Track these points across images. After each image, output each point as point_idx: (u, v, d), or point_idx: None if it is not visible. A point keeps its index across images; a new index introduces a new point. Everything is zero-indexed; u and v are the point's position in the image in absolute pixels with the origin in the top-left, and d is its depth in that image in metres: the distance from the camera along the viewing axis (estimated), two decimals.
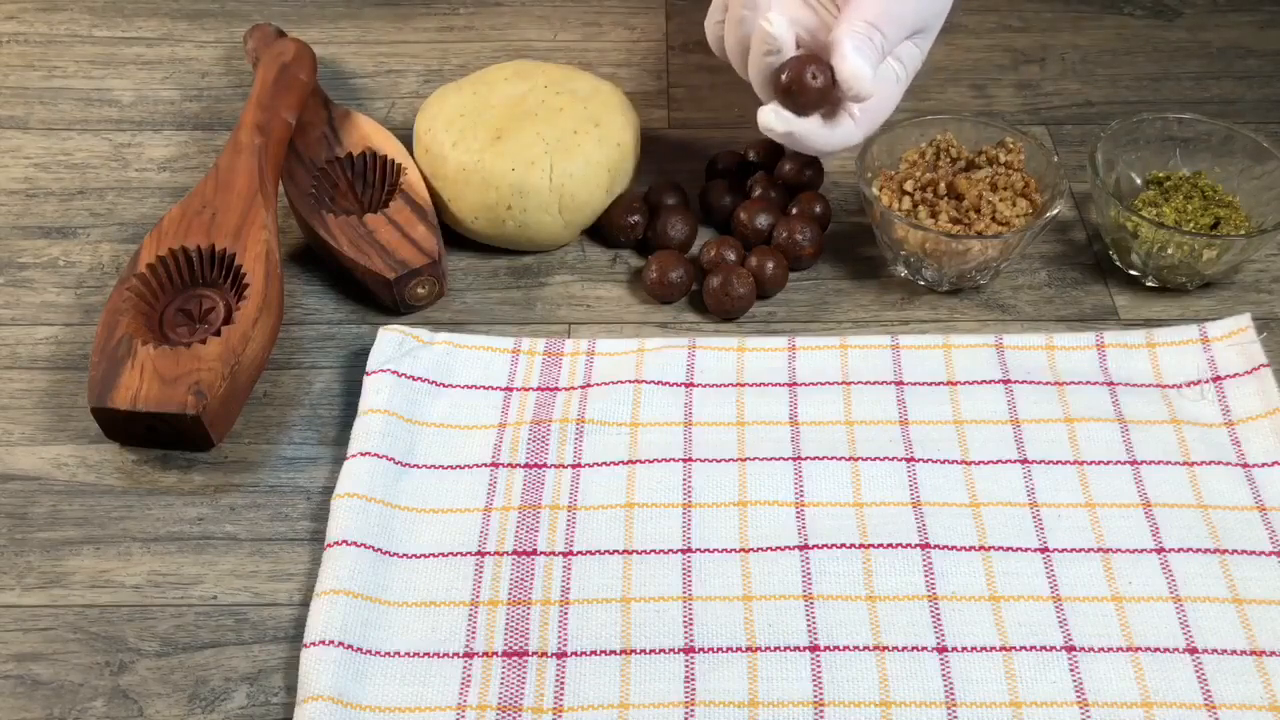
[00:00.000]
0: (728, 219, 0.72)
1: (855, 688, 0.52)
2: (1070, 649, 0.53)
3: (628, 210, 0.71)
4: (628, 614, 0.54)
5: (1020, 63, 0.84)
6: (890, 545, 0.56)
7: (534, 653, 0.53)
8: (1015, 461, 0.59)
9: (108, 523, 0.59)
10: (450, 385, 0.63)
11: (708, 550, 0.56)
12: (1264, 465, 0.59)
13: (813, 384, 0.63)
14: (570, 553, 0.56)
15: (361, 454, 0.59)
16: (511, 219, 0.69)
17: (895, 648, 0.53)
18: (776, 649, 0.53)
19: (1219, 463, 0.59)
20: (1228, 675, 0.52)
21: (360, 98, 0.82)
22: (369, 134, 0.72)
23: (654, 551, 0.56)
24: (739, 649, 0.53)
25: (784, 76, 0.64)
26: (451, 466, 0.60)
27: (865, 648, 0.53)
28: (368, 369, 0.63)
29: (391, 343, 0.64)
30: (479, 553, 0.57)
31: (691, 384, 0.63)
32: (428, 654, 0.53)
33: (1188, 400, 0.62)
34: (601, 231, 0.71)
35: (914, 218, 0.66)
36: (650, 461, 0.60)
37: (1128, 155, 0.70)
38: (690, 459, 0.60)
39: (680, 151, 0.78)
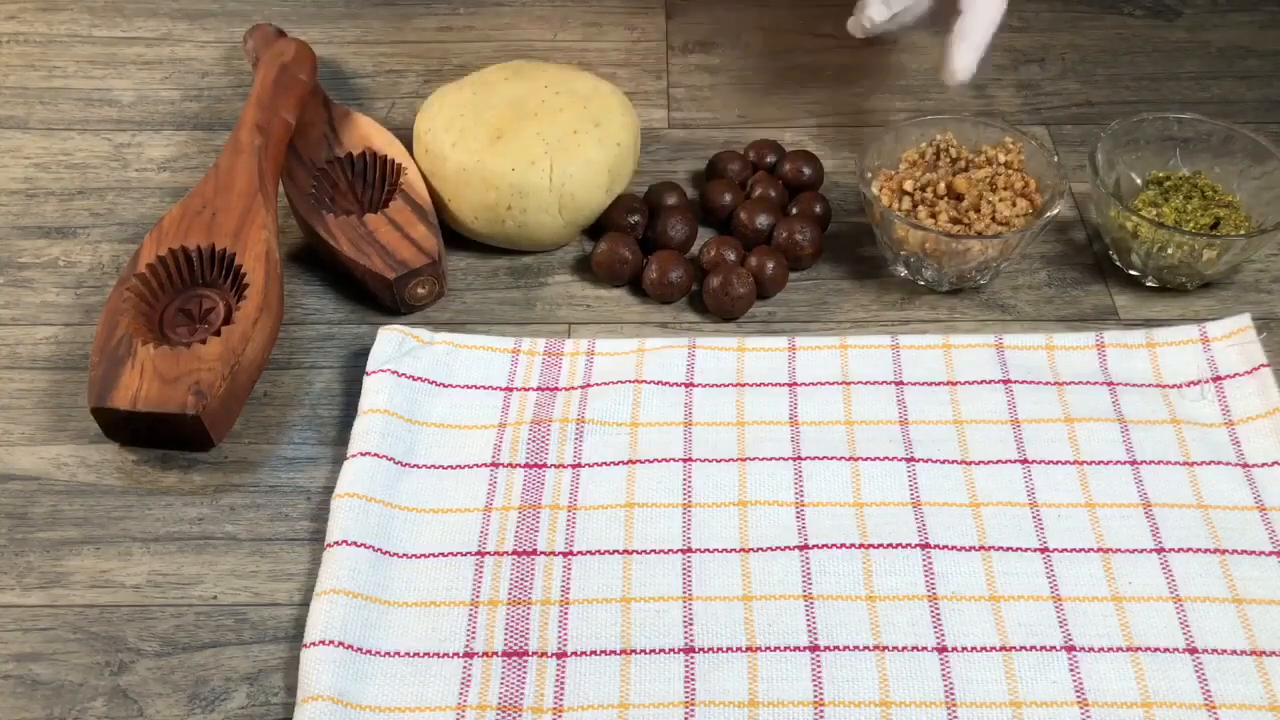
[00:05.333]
0: (728, 219, 0.72)
1: (855, 688, 0.52)
2: (1070, 649, 0.53)
3: (628, 210, 0.71)
4: (628, 614, 0.54)
5: (1020, 63, 0.84)
6: (890, 545, 0.56)
7: (534, 653, 0.53)
8: (1015, 461, 0.59)
9: (108, 523, 0.59)
10: (450, 385, 0.63)
11: (708, 550, 0.56)
12: (1264, 465, 0.59)
13: (813, 384, 0.63)
14: (570, 553, 0.56)
15: (361, 454, 0.59)
16: (511, 219, 0.69)
17: (895, 648, 0.53)
18: (776, 649, 0.53)
19: (1219, 463, 0.59)
20: (1228, 675, 0.52)
21: (360, 98, 0.82)
22: (369, 134, 0.72)
23: (654, 551, 0.56)
24: (739, 649, 0.53)
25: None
26: (451, 466, 0.60)
27: (865, 648, 0.53)
28: (368, 369, 0.63)
29: (391, 343, 0.64)
30: (479, 553, 0.57)
31: (691, 384, 0.63)
32: (428, 654, 0.53)
33: (1188, 400, 0.62)
34: (601, 231, 0.71)
35: (914, 218, 0.66)
36: (650, 461, 0.60)
37: (1128, 155, 0.70)
38: (690, 459, 0.60)
39: (680, 151, 0.78)
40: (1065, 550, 0.56)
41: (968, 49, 0.69)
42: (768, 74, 0.83)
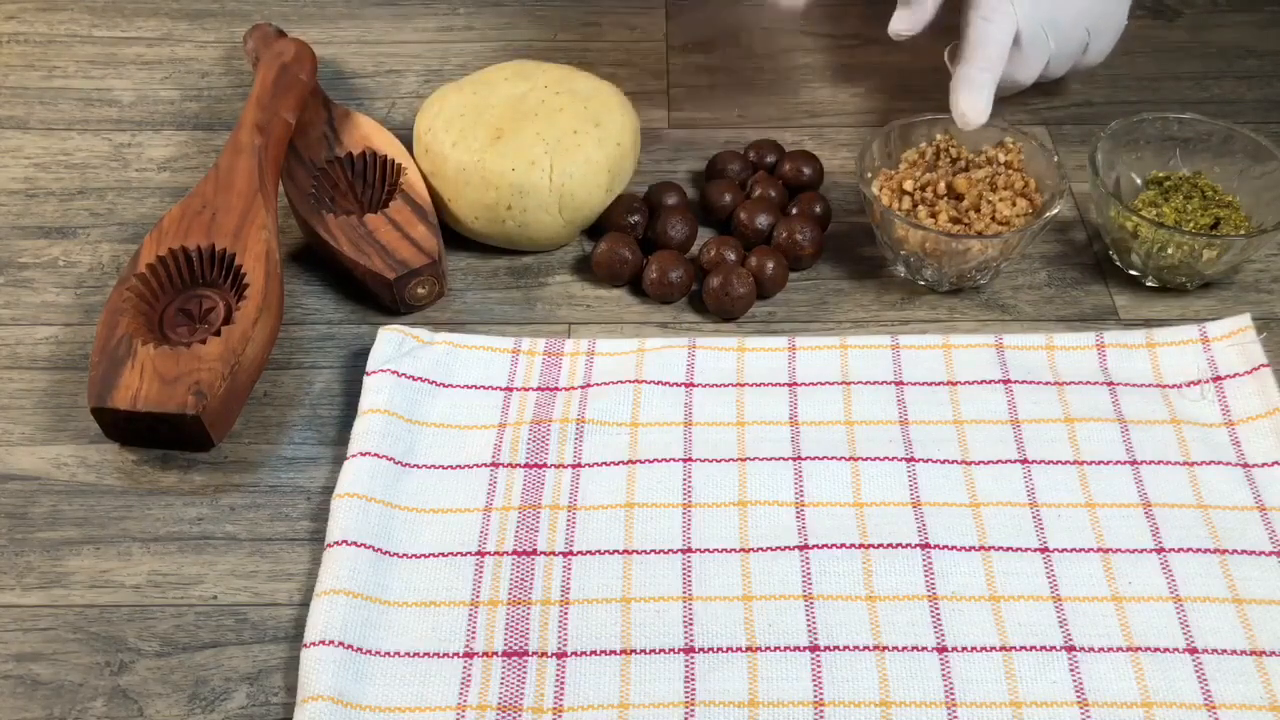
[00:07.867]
0: (728, 219, 0.72)
1: (855, 688, 0.52)
2: (1070, 649, 0.53)
3: (628, 210, 0.71)
4: (628, 614, 0.54)
5: None
6: (890, 545, 0.56)
7: (534, 653, 0.53)
8: (1015, 461, 0.59)
9: (108, 523, 0.59)
10: (450, 385, 0.63)
11: (708, 550, 0.56)
12: (1264, 465, 0.59)
13: (813, 384, 0.63)
14: (570, 553, 0.56)
15: (361, 454, 0.59)
16: (511, 219, 0.69)
17: (895, 648, 0.53)
18: (776, 649, 0.53)
19: (1219, 463, 0.59)
20: (1228, 675, 0.52)
21: (360, 98, 0.82)
22: (369, 134, 0.72)
23: (654, 551, 0.56)
24: (739, 649, 0.53)
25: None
26: (452, 466, 0.60)
27: (865, 648, 0.53)
28: (368, 369, 0.63)
29: (391, 343, 0.64)
30: (479, 553, 0.57)
31: (691, 384, 0.63)
32: (428, 654, 0.53)
33: (1188, 400, 0.62)
34: (601, 231, 0.71)
35: (914, 218, 0.66)
36: (650, 461, 0.60)
37: (1128, 155, 0.70)
38: (690, 459, 0.60)
39: (680, 151, 0.78)
40: (1065, 550, 0.56)
41: (972, 94, 0.69)
42: (768, 74, 0.83)
